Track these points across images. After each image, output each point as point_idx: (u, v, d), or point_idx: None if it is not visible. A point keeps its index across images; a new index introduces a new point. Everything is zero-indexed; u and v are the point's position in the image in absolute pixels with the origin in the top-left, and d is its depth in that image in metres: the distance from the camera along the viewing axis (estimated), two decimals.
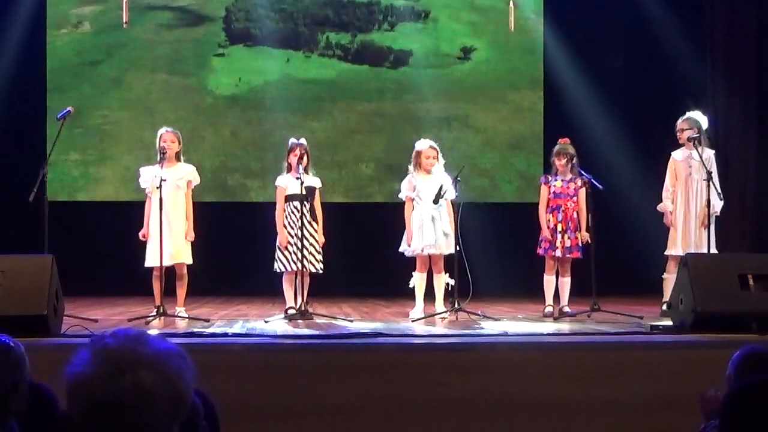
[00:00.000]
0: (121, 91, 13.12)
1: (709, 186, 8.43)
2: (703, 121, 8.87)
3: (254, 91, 13.24)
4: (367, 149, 13.22)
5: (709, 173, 8.44)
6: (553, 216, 8.91)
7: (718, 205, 8.69)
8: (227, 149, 13.09)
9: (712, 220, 8.69)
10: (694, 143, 8.61)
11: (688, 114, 8.90)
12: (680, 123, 8.86)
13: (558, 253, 8.85)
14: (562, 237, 8.85)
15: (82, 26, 13.15)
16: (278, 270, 8.70)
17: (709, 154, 8.74)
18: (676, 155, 8.88)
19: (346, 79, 13.35)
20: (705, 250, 8.51)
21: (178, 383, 1.87)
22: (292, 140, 8.92)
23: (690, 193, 8.77)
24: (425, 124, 12.43)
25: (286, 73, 13.24)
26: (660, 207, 8.90)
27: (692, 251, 8.47)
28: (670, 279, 8.61)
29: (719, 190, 8.55)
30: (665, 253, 8.83)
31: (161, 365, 1.86)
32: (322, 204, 8.93)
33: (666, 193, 8.87)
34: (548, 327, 7.83)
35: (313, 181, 8.75)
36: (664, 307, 8.59)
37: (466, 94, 13.22)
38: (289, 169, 8.80)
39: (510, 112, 13.16)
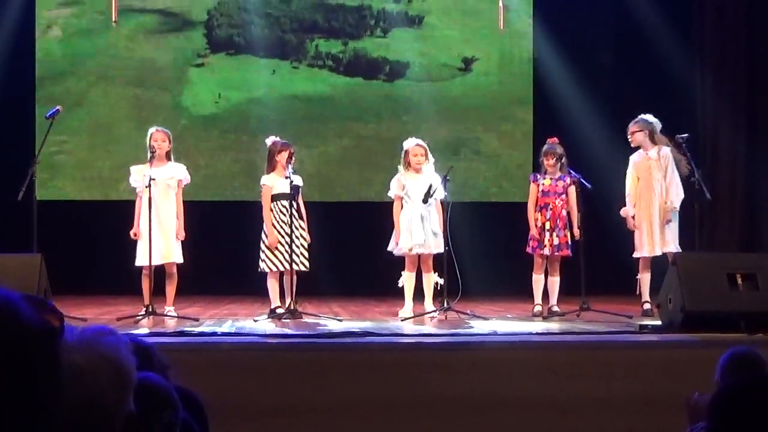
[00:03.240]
0: (82, 112, 12.07)
1: (698, 185, 8.53)
2: (656, 121, 8.93)
3: (235, 110, 12.23)
4: (366, 186, 12.36)
5: (698, 172, 8.57)
6: (541, 214, 8.92)
7: (676, 200, 8.80)
8: (201, 186, 11.34)
9: (675, 215, 8.82)
10: (683, 142, 8.70)
11: (639, 117, 8.98)
12: (631, 126, 8.97)
13: (546, 251, 8.86)
14: (551, 235, 8.85)
15: (51, 31, 12.30)
16: (265, 270, 8.67)
17: (666, 151, 8.85)
18: (634, 158, 8.99)
19: (339, 96, 12.48)
20: (672, 248, 8.62)
21: (115, 354, 1.87)
22: (278, 140, 8.87)
23: (652, 193, 8.84)
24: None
25: (271, 87, 12.25)
26: (623, 212, 8.95)
27: (659, 251, 8.65)
28: (644, 279, 8.76)
29: (706, 190, 8.61)
30: (634, 256, 8.90)
31: (91, 344, 1.87)
32: (307, 202, 8.93)
33: (628, 198, 8.94)
34: (537, 326, 7.84)
35: (297, 179, 8.73)
36: (645, 306, 8.69)
37: (469, 113, 12.69)
38: (274, 168, 8.76)
39: (503, 115, 12.83)
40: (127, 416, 1.88)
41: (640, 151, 8.95)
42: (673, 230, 8.82)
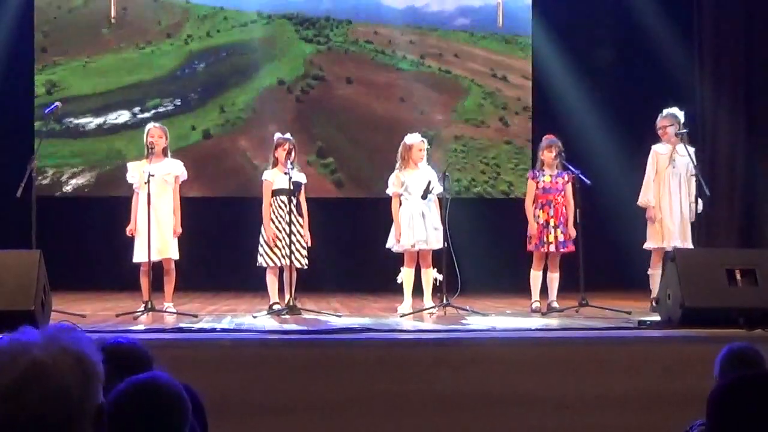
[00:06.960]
0: None
1: (698, 181, 8.50)
2: (681, 117, 8.90)
3: None
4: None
5: (697, 168, 8.54)
6: (543, 211, 8.88)
7: (702, 201, 8.75)
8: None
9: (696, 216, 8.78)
10: (681, 138, 8.66)
11: (667, 111, 8.93)
12: (662, 120, 8.92)
13: (552, 248, 8.82)
14: (555, 232, 8.83)
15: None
16: (263, 265, 8.67)
17: (691, 150, 8.77)
18: (659, 149, 8.92)
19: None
20: (689, 245, 8.61)
21: (78, 348, 1.87)
22: (279, 135, 8.90)
23: (673, 188, 8.81)
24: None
25: None
26: (642, 203, 8.92)
27: (676, 245, 8.56)
28: (656, 275, 8.69)
29: (705, 186, 8.58)
30: (645, 246, 8.86)
31: (52, 340, 1.87)
32: (308, 199, 8.92)
33: (647, 188, 8.88)
34: (536, 322, 7.85)
35: (298, 176, 8.72)
36: (654, 303, 8.65)
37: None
38: (276, 163, 8.77)
39: (499, 109, 12.88)
40: (96, 409, 1.89)
41: (665, 144, 8.87)
42: (693, 229, 8.78)
